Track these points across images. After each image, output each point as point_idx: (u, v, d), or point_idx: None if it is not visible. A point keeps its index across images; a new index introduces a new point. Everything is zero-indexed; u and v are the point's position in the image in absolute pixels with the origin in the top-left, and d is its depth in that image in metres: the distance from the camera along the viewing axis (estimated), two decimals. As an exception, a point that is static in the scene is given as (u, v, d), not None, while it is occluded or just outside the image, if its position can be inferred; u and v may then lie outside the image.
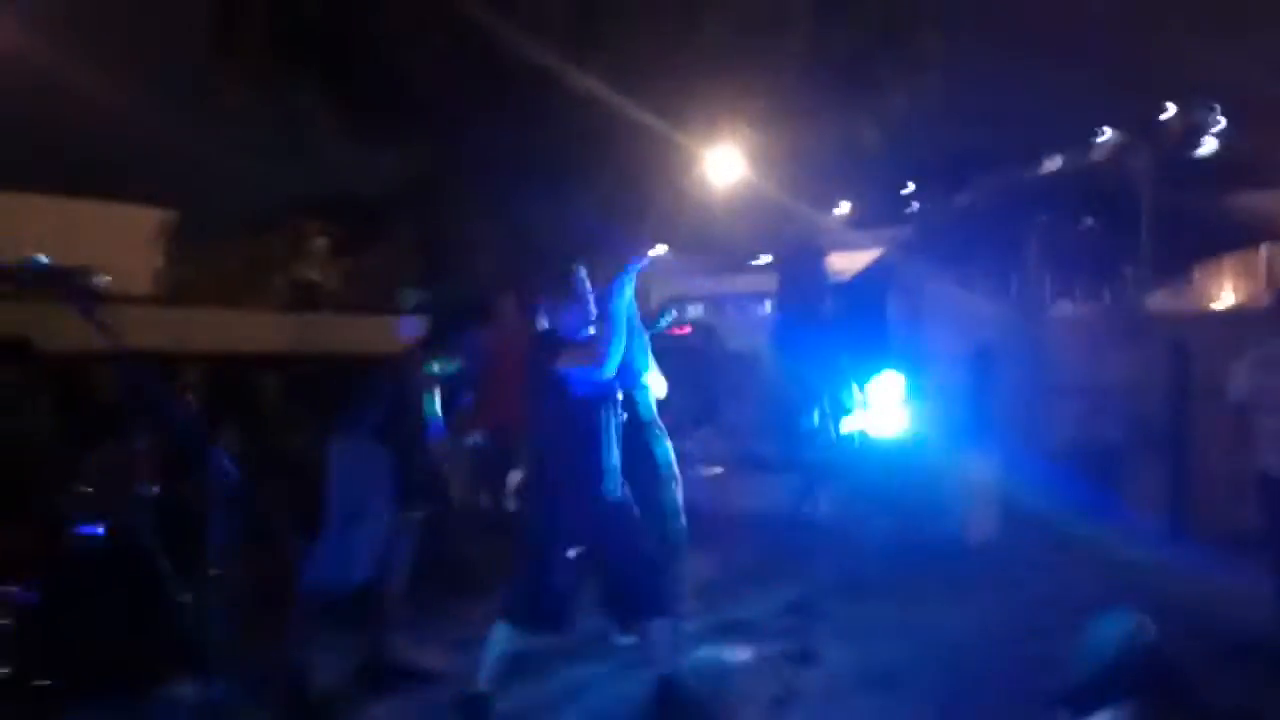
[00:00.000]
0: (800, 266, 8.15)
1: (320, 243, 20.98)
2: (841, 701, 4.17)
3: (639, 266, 3.87)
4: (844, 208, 29.75)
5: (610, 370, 3.65)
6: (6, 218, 15.23)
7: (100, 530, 4.29)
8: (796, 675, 4.29)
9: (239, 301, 19.00)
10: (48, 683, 3.84)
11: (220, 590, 2.51)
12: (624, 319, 3.71)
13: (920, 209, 26.64)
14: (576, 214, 12.85)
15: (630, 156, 13.67)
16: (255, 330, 13.80)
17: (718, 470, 8.32)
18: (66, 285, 2.57)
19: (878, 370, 6.39)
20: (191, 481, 4.29)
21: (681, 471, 6.67)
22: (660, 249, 24.17)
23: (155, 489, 4.02)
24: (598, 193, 13.43)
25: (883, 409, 5.83)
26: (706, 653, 4.62)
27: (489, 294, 6.65)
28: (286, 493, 4.82)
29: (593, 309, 3.79)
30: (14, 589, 3.99)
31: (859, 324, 8.35)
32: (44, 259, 2.59)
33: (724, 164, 18.70)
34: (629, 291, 3.80)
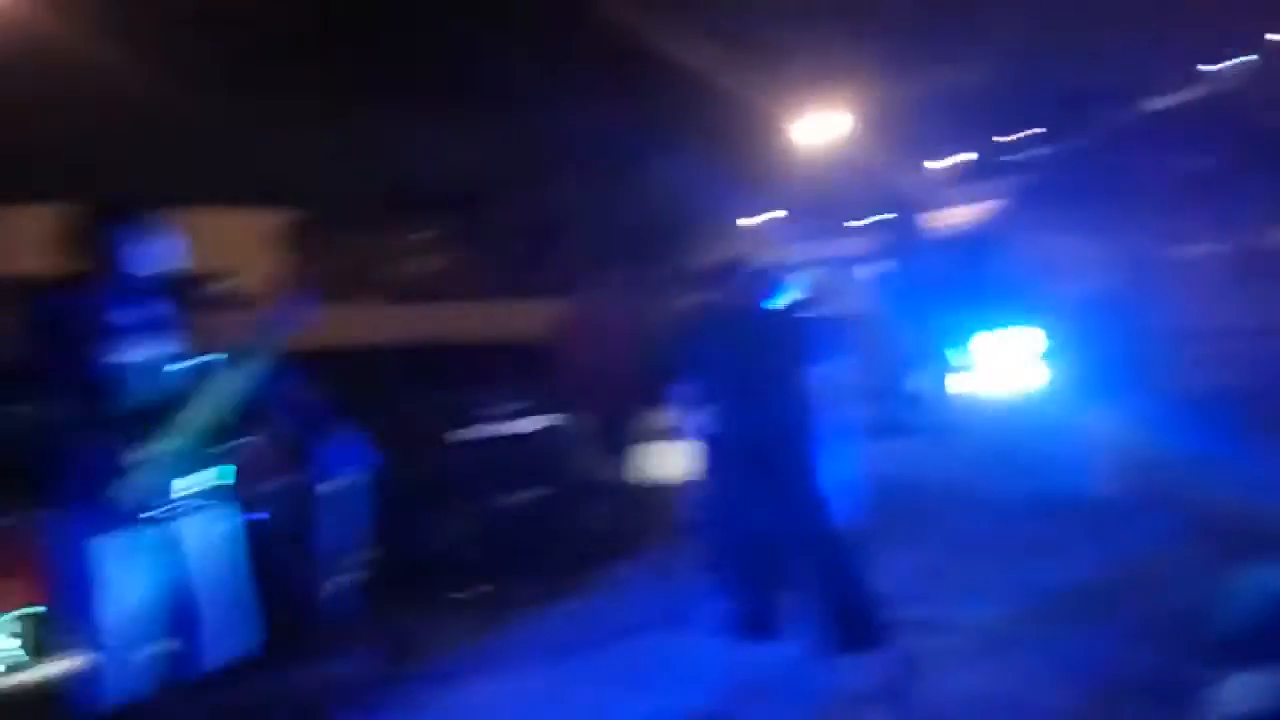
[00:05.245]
0: (901, 224, 7.94)
1: (425, 235, 21.58)
2: (964, 665, 4.10)
3: None
4: (952, 161, 28.84)
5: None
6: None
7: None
8: (919, 639, 4.22)
9: (352, 296, 19.76)
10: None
11: (356, 571, 2.62)
12: None
13: (1033, 157, 25.57)
14: (671, 184, 12.81)
15: (724, 123, 13.54)
16: (369, 323, 14.32)
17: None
18: (189, 292, 2.73)
19: (990, 327, 6.20)
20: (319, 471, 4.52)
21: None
22: (767, 215, 23.88)
23: (287, 478, 4.20)
24: (693, 163, 13.35)
25: (1001, 365, 5.64)
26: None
27: (583, 270, 6.71)
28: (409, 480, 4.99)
29: None
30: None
31: (969, 280, 8.10)
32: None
33: (822, 124, 18.33)
34: None
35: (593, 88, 12.91)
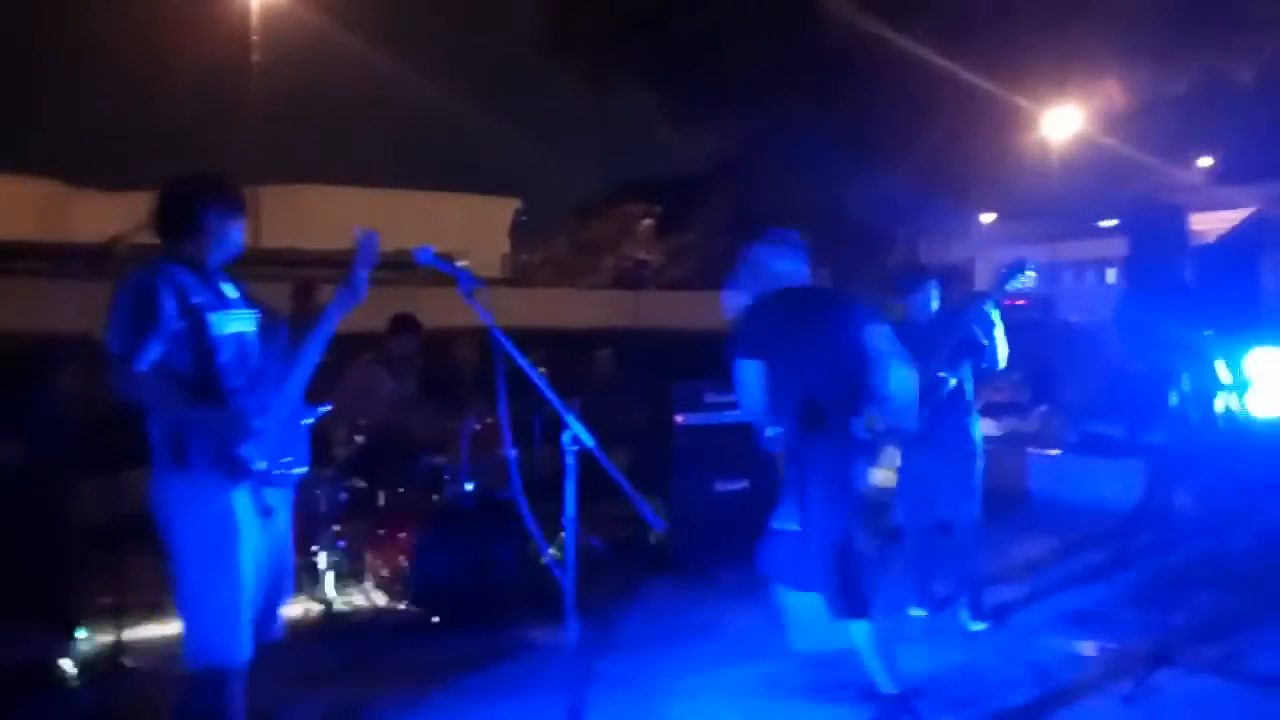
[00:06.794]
0: (1153, 228, 7.35)
1: (644, 224, 22.13)
2: (1201, 703, 3.80)
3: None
4: (1206, 161, 26.59)
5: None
6: (385, 211, 17.52)
7: (468, 488, 4.85)
8: (1149, 673, 3.95)
9: (573, 281, 20.58)
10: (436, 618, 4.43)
11: (574, 545, 2.76)
12: None
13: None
14: (894, 184, 12.46)
15: (953, 122, 13.05)
16: (588, 307, 14.88)
17: (1054, 452, 7.78)
18: (453, 271, 2.90)
19: (1252, 343, 5.68)
20: (545, 447, 4.74)
21: (1015, 453, 6.31)
22: (987, 217, 22.81)
23: (514, 453, 4.42)
24: (917, 162, 12.94)
25: (1262, 387, 5.17)
26: (1051, 644, 4.39)
27: None
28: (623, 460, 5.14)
29: None
30: (404, 535, 4.62)
31: (1226, 291, 7.46)
32: (432, 248, 2.95)
33: (1060, 122, 17.31)
34: None
35: (820, 85, 12.74)
